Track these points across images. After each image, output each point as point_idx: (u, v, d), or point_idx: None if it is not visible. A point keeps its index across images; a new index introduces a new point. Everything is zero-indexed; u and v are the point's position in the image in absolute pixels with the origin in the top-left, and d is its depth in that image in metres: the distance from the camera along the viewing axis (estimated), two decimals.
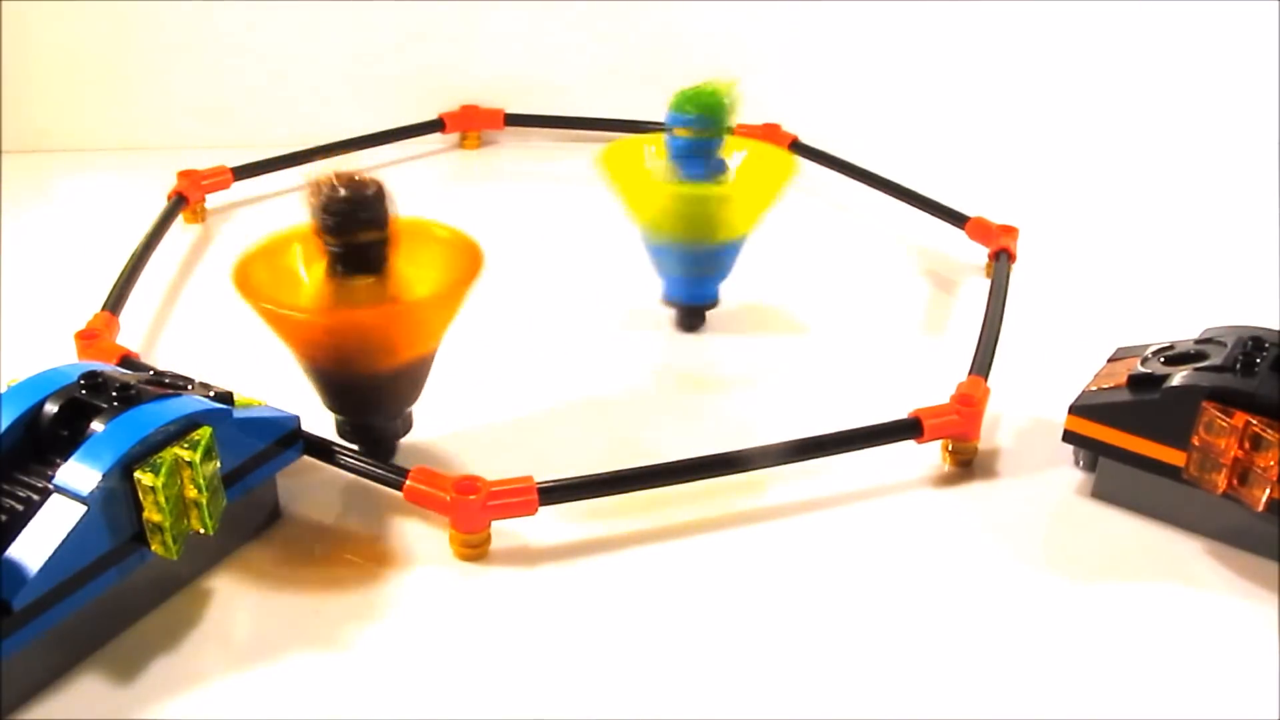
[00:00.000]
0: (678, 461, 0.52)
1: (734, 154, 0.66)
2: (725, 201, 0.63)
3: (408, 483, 0.49)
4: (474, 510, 0.48)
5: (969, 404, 0.55)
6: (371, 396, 0.52)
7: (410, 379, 0.52)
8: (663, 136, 0.64)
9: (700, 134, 0.63)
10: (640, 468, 0.51)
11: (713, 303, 0.67)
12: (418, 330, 0.51)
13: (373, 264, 0.50)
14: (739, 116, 0.64)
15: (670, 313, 0.68)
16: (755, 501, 0.53)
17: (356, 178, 0.49)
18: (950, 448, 0.56)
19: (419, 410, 0.58)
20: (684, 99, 0.63)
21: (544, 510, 0.49)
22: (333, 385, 0.52)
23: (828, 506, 0.53)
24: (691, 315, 0.68)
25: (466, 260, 0.52)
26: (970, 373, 0.58)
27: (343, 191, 0.48)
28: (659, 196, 0.63)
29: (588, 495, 0.51)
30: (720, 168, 0.64)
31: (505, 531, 0.50)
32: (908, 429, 0.54)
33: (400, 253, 0.51)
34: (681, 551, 0.50)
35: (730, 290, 0.67)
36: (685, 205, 0.63)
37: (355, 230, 0.49)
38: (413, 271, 0.52)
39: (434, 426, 0.58)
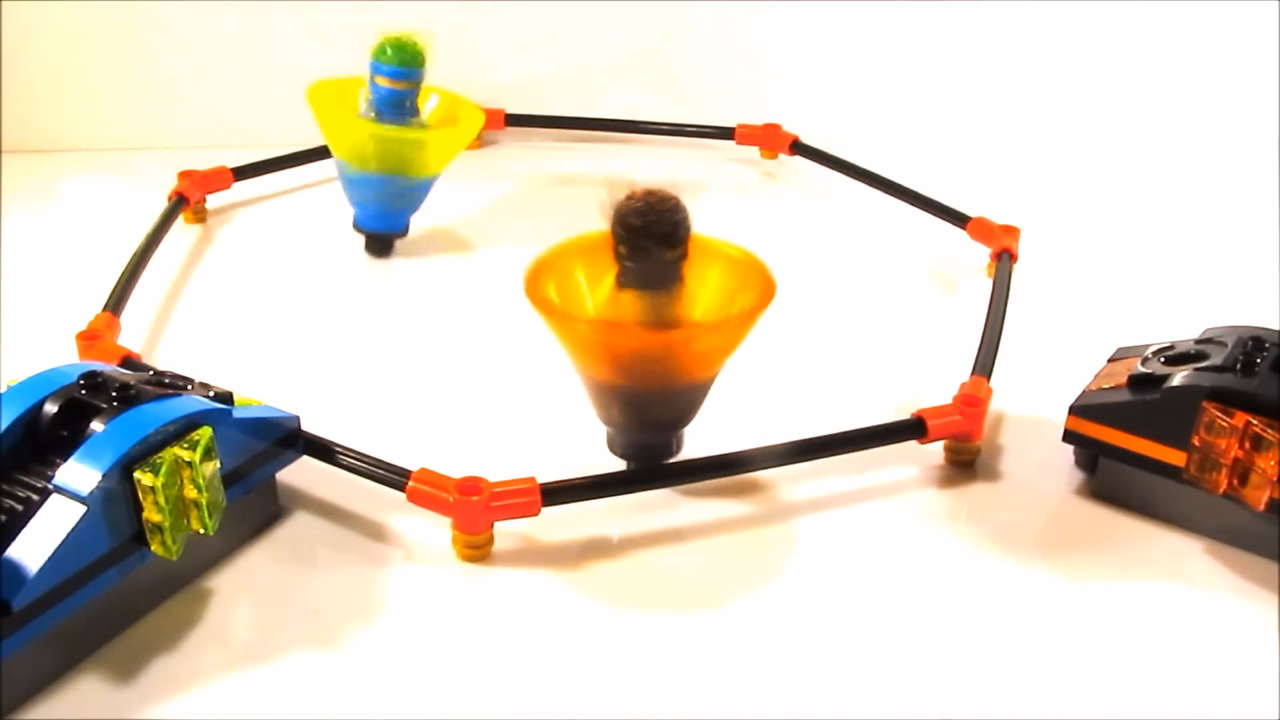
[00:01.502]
0: (681, 462, 0.52)
1: (428, 100, 0.75)
2: (420, 144, 0.72)
3: (410, 484, 0.49)
4: (477, 511, 0.48)
5: (972, 404, 0.55)
6: (657, 413, 0.51)
7: (692, 400, 0.51)
8: (365, 80, 0.72)
9: (401, 84, 0.71)
10: (643, 469, 0.51)
11: (402, 232, 0.75)
12: (719, 349, 0.50)
13: (669, 281, 0.49)
14: (431, 67, 0.72)
15: None
16: (759, 502, 0.53)
17: (663, 195, 0.48)
18: (953, 448, 0.56)
19: (421, 411, 0.58)
20: (385, 50, 0.70)
21: (546, 511, 0.49)
22: (623, 398, 0.51)
23: (831, 507, 0.53)
24: (381, 242, 0.75)
25: (759, 288, 0.50)
26: (973, 373, 0.58)
27: (657, 210, 0.47)
28: (360, 135, 0.71)
29: (590, 496, 0.51)
30: (414, 113, 0.73)
31: (508, 533, 0.50)
32: (911, 429, 0.54)
33: (693, 267, 0.50)
34: (685, 553, 0.50)
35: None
36: (383, 145, 0.71)
37: (665, 247, 0.48)
38: (700, 288, 0.51)
39: (436, 427, 0.58)
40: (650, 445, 0.52)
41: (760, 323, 0.49)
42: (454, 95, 0.77)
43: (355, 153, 0.71)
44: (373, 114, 0.72)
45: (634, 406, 0.51)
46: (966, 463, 0.56)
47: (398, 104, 0.71)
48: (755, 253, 0.52)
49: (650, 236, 0.47)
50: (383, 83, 0.71)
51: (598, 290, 0.51)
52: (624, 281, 0.49)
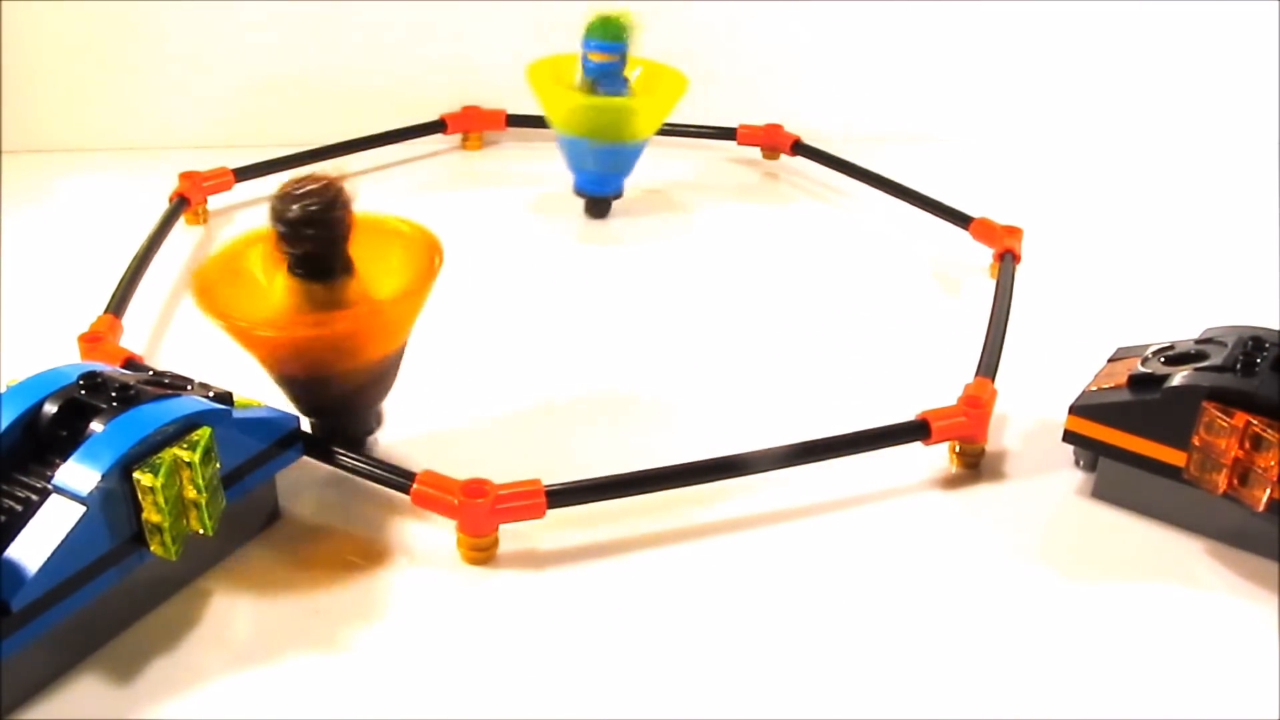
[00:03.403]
0: (685, 464, 0.52)
1: (633, 70, 0.80)
2: (628, 111, 0.77)
3: (415, 486, 0.49)
4: (482, 513, 0.48)
5: (976, 405, 0.55)
6: (342, 397, 0.52)
7: (380, 377, 0.52)
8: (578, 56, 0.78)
9: (608, 57, 0.77)
10: (647, 470, 0.51)
11: (617, 194, 0.82)
12: (384, 330, 0.51)
13: (333, 269, 0.50)
14: (639, 41, 0.78)
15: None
16: (763, 504, 0.53)
17: (313, 185, 0.48)
18: (958, 449, 0.56)
19: (427, 412, 0.58)
20: (594, 26, 0.77)
21: (552, 513, 0.49)
22: (303, 389, 0.51)
23: (835, 509, 0.53)
24: (599, 204, 0.82)
25: (427, 255, 0.52)
26: (977, 374, 0.58)
27: (299, 200, 0.48)
28: (573, 105, 0.78)
29: (595, 498, 0.51)
30: (623, 83, 0.78)
31: (513, 534, 0.50)
32: (915, 431, 0.54)
33: (361, 250, 0.51)
34: (689, 554, 0.50)
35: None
36: (593, 114, 0.77)
37: (313, 238, 0.48)
38: (374, 267, 0.52)
39: (438, 428, 0.58)
40: (352, 427, 0.53)
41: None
42: (657, 64, 0.81)
43: (571, 122, 0.78)
44: (586, 85, 0.78)
45: (327, 392, 0.51)
46: (971, 464, 0.56)
47: (607, 75, 0.77)
48: (424, 225, 0.54)
49: (308, 225, 0.48)
50: (593, 56, 0.77)
51: (275, 282, 0.50)
52: (294, 271, 0.49)
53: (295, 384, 0.51)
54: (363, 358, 0.50)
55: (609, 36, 0.76)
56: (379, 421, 0.54)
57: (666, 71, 0.81)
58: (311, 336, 0.49)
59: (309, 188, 0.48)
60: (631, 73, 0.79)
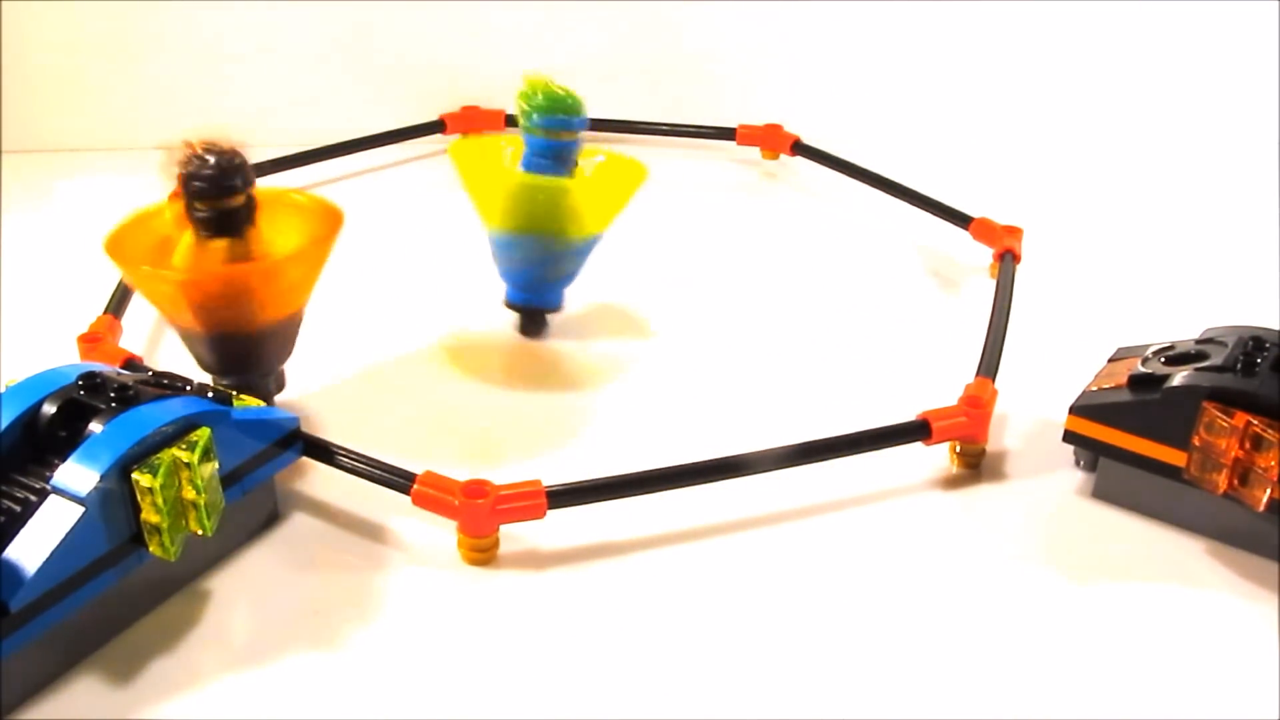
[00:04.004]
0: (686, 465, 0.52)
1: (590, 160, 0.66)
2: (567, 193, 0.62)
3: (416, 487, 0.49)
4: (482, 514, 0.48)
5: (977, 405, 0.55)
6: (243, 355, 0.54)
7: (280, 336, 0.55)
8: (520, 136, 0.63)
9: (558, 135, 0.61)
10: (648, 471, 0.51)
11: (557, 307, 0.66)
12: (285, 287, 0.53)
13: (238, 226, 0.53)
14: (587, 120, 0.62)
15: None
16: (764, 504, 0.53)
17: (220, 146, 0.52)
18: (958, 450, 0.56)
19: (433, 412, 0.58)
20: (544, 100, 0.61)
21: (552, 514, 0.49)
22: (206, 345, 0.54)
23: (836, 509, 0.53)
24: (533, 319, 0.67)
25: (327, 222, 0.55)
26: (977, 374, 0.58)
27: (209, 159, 0.51)
28: (507, 186, 0.62)
29: (596, 499, 0.50)
30: (571, 169, 0.63)
31: (513, 535, 0.50)
32: (916, 431, 0.54)
33: (264, 219, 0.54)
34: (690, 555, 0.50)
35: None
36: (532, 195, 0.61)
37: (221, 195, 0.52)
38: (276, 237, 0.55)
39: (440, 428, 0.58)
40: (251, 388, 0.54)
41: None
42: (617, 155, 0.67)
43: (503, 210, 0.62)
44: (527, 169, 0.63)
45: (228, 349, 0.54)
46: (972, 464, 0.56)
47: (556, 158, 0.62)
48: (322, 197, 0.58)
49: (214, 184, 0.51)
50: (539, 134, 0.61)
51: (182, 242, 0.53)
52: (201, 232, 0.52)
53: (199, 340, 0.54)
54: (263, 314, 0.53)
55: (566, 111, 0.61)
56: (279, 385, 0.57)
57: (623, 161, 0.66)
58: (215, 284, 0.52)
59: (218, 147, 0.52)
60: (590, 162, 0.65)
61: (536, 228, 0.61)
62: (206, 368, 0.55)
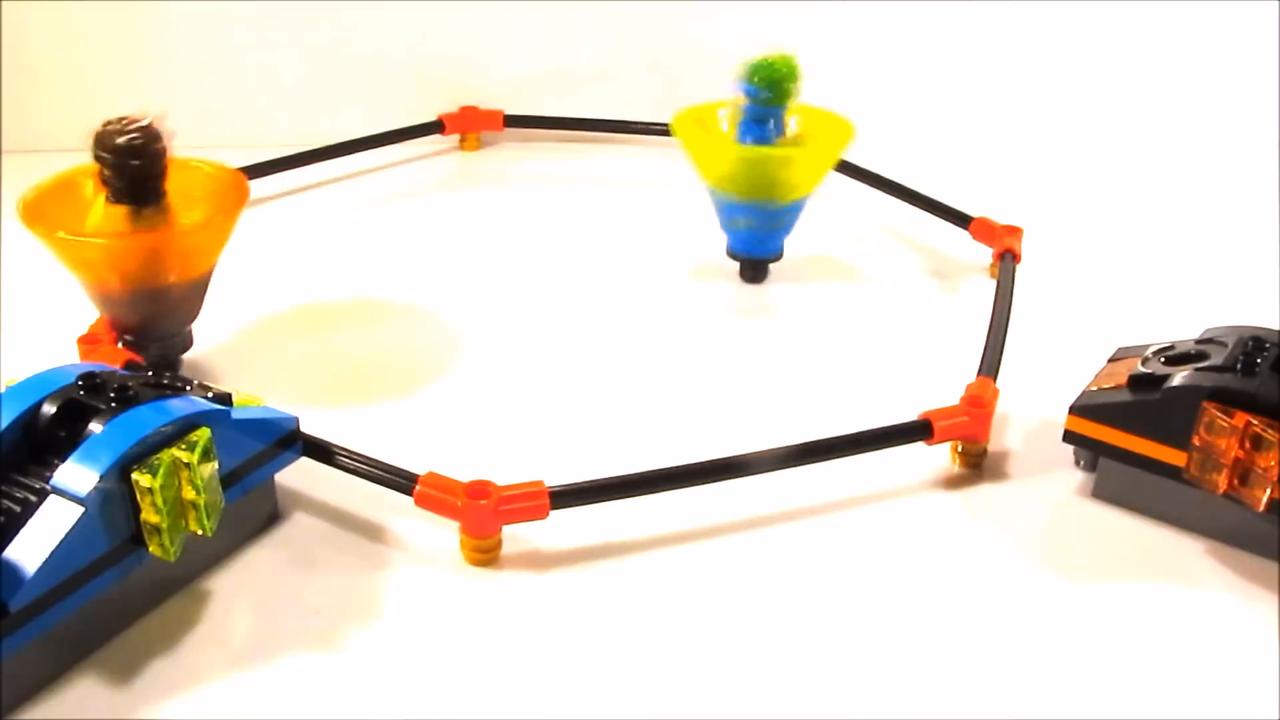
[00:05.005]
0: (688, 465, 0.52)
1: (793, 119, 0.71)
2: (787, 162, 0.69)
3: (418, 487, 0.49)
4: (485, 515, 0.48)
5: (978, 405, 0.55)
6: (153, 315, 0.58)
7: (188, 299, 0.59)
8: (733, 102, 0.70)
9: (765, 101, 0.69)
10: (650, 471, 0.51)
11: (776, 256, 0.74)
12: (191, 250, 0.57)
13: (150, 195, 0.57)
14: (802, 86, 0.69)
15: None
16: (766, 504, 0.53)
17: (134, 121, 0.56)
18: (960, 449, 0.56)
19: (429, 413, 0.58)
20: (751, 70, 0.68)
21: (555, 514, 0.49)
22: (119, 307, 0.58)
23: (838, 510, 0.53)
24: (755, 268, 0.74)
25: (234, 191, 0.60)
26: (978, 374, 0.58)
27: (123, 132, 0.55)
28: (726, 157, 0.70)
29: (598, 499, 0.50)
30: (780, 132, 0.70)
31: (516, 536, 0.50)
32: (918, 431, 0.54)
33: (174, 187, 0.58)
34: (693, 555, 0.50)
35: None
36: (750, 166, 0.69)
37: (135, 167, 0.56)
38: (185, 203, 0.59)
39: (443, 429, 0.58)
40: (162, 345, 0.60)
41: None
42: (819, 110, 0.72)
43: (727, 176, 0.70)
44: (739, 135, 0.70)
45: (141, 309, 0.58)
46: (974, 464, 0.56)
47: (769, 121, 0.69)
48: (229, 166, 0.62)
49: (128, 153, 0.55)
50: (747, 102, 0.69)
51: (92, 214, 0.57)
52: (113, 199, 0.56)
53: (112, 302, 0.57)
54: (171, 276, 0.57)
55: (764, 81, 0.68)
56: (185, 344, 0.61)
57: (829, 119, 0.72)
58: (128, 246, 0.56)
59: (132, 123, 0.55)
60: (789, 121, 0.71)
61: (758, 193, 0.69)
62: (121, 329, 0.59)
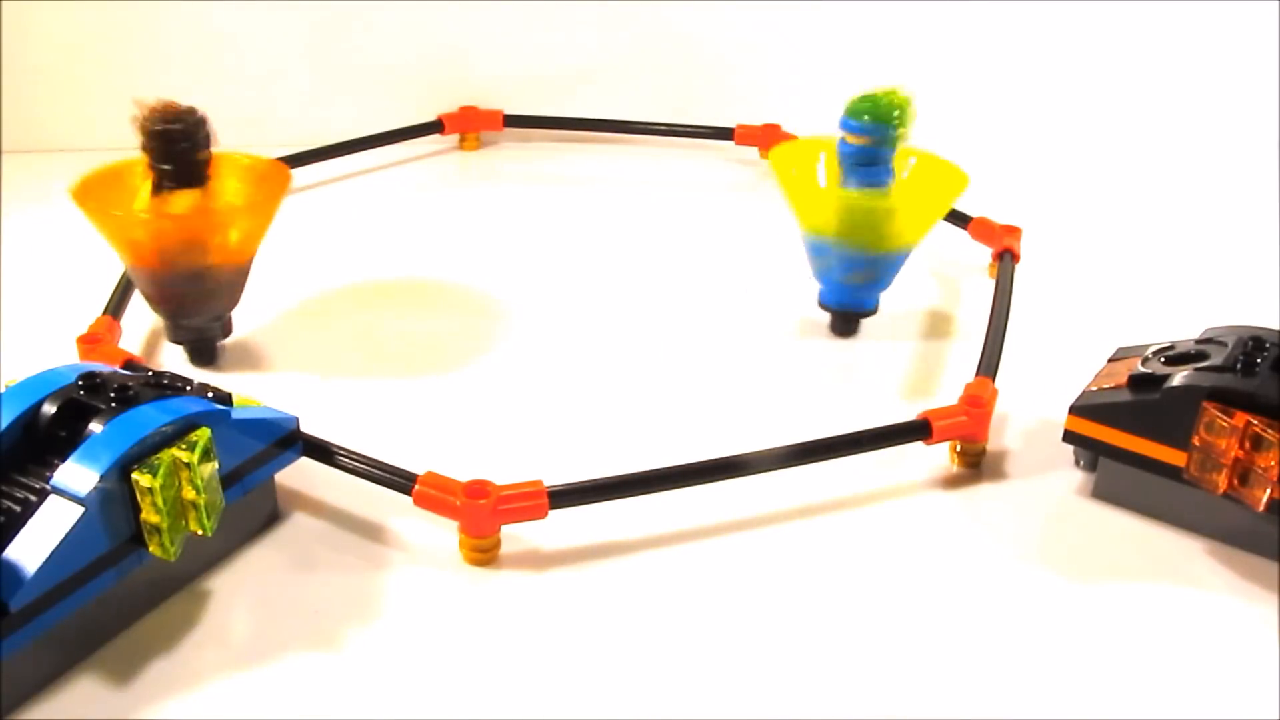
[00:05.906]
0: (687, 465, 0.52)
1: (906, 162, 0.66)
2: (891, 213, 0.63)
3: (417, 487, 0.49)
4: (484, 514, 0.48)
5: (977, 405, 0.55)
6: (196, 297, 0.60)
7: (228, 285, 0.61)
8: (835, 141, 0.64)
9: (872, 142, 0.62)
10: (649, 471, 0.51)
11: (871, 310, 0.67)
12: (236, 232, 0.59)
13: (196, 179, 0.59)
14: (913, 127, 0.63)
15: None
16: (765, 504, 0.53)
17: (181, 107, 0.58)
18: (959, 449, 0.56)
19: (429, 413, 0.58)
20: (859, 105, 0.62)
21: (554, 513, 0.49)
22: (160, 286, 0.59)
23: (837, 509, 0.53)
24: (847, 321, 0.67)
25: (275, 177, 0.62)
26: (977, 373, 0.58)
27: (169, 118, 0.57)
28: (826, 202, 0.63)
29: (597, 499, 0.50)
30: (888, 176, 0.64)
31: (515, 535, 0.50)
32: (916, 430, 0.54)
33: (216, 176, 0.60)
34: (692, 555, 0.50)
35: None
36: (851, 214, 0.62)
37: (182, 150, 0.58)
38: (228, 192, 0.61)
39: (443, 430, 0.58)
40: (202, 329, 0.61)
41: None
42: (933, 156, 0.67)
43: (824, 221, 0.63)
44: (841, 176, 0.64)
45: (183, 293, 0.59)
46: (972, 464, 0.56)
47: (866, 163, 0.63)
48: (270, 158, 0.64)
49: (175, 138, 0.57)
50: (849, 139, 0.63)
51: (139, 200, 0.59)
52: (160, 185, 0.58)
53: (155, 279, 0.59)
54: (213, 256, 0.58)
55: (871, 117, 0.62)
56: (225, 331, 0.63)
57: (942, 166, 0.66)
58: (174, 223, 0.58)
59: (179, 108, 0.58)
60: (903, 166, 0.65)
61: (856, 240, 0.63)
62: (160, 311, 0.61)
